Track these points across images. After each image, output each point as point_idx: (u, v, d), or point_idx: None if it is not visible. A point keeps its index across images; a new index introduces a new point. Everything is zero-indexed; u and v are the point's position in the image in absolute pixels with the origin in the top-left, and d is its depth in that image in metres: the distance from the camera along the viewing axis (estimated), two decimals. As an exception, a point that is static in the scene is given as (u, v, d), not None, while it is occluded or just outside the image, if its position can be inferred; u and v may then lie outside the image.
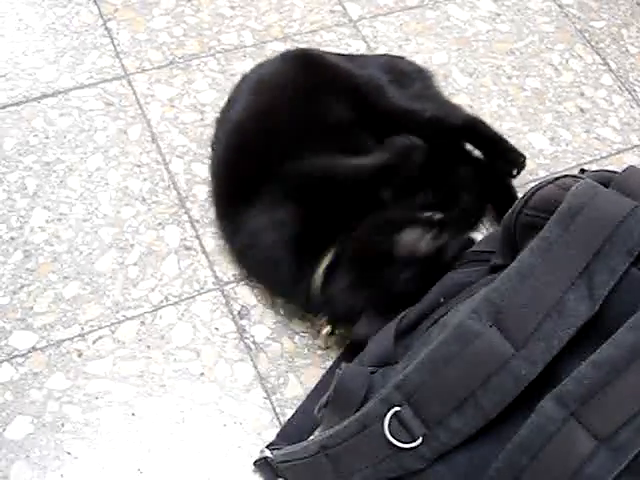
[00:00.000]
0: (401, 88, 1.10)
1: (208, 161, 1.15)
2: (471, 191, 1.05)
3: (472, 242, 0.93)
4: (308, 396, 0.95)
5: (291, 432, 0.92)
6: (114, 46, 1.27)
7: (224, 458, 0.91)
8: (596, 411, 0.60)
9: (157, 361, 0.97)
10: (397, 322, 0.83)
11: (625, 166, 0.71)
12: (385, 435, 0.69)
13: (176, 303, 1.02)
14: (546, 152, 1.23)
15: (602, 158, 1.24)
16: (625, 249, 0.63)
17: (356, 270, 0.92)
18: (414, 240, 0.89)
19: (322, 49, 1.23)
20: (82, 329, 0.99)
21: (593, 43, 1.40)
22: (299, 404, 0.95)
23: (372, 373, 0.79)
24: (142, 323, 1.00)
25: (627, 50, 1.40)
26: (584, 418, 0.61)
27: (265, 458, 0.87)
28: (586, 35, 1.41)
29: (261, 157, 1.00)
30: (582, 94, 1.32)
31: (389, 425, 0.69)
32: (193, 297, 1.03)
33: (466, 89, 1.29)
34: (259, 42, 1.31)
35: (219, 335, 1.00)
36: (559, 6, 1.45)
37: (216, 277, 1.05)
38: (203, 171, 1.14)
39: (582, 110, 1.30)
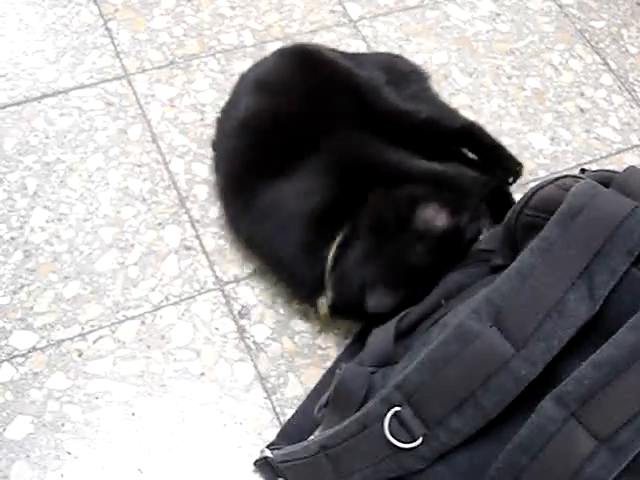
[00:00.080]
0: (397, 88, 1.09)
1: (208, 161, 1.15)
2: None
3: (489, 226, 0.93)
4: (308, 396, 0.95)
5: (291, 432, 0.92)
6: (114, 46, 1.27)
7: (224, 458, 0.91)
8: (596, 411, 0.60)
9: (157, 361, 0.97)
10: (397, 322, 0.83)
11: (625, 166, 0.71)
12: (385, 435, 0.69)
13: (176, 303, 1.02)
14: (546, 152, 1.23)
15: (602, 158, 1.25)
16: (625, 249, 0.63)
17: (370, 239, 0.91)
18: (432, 215, 0.89)
19: (322, 49, 1.23)
20: (82, 329, 0.99)
21: (593, 43, 1.40)
22: (299, 404, 0.95)
23: (372, 373, 0.79)
24: (142, 323, 1.00)
25: (627, 50, 1.40)
26: (584, 418, 0.61)
27: (265, 458, 0.87)
28: (586, 35, 1.41)
29: (270, 149, 1.00)
30: (582, 94, 1.32)
31: (389, 425, 0.70)
32: (193, 297, 1.03)
33: (466, 89, 1.29)
34: (259, 42, 1.31)
35: (219, 335, 1.00)
36: (559, 6, 1.45)
37: (216, 277, 1.05)
38: (203, 171, 1.14)
39: (582, 110, 1.30)
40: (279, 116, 1.03)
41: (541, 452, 0.62)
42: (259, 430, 0.93)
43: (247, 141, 1.04)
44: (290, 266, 0.97)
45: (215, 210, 1.10)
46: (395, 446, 0.69)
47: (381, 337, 0.83)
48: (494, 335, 0.65)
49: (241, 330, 1.01)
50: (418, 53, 1.32)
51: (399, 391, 0.69)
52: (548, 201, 0.69)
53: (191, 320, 1.01)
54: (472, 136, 1.08)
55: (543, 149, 1.24)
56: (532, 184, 0.74)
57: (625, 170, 0.69)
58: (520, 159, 1.10)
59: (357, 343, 0.96)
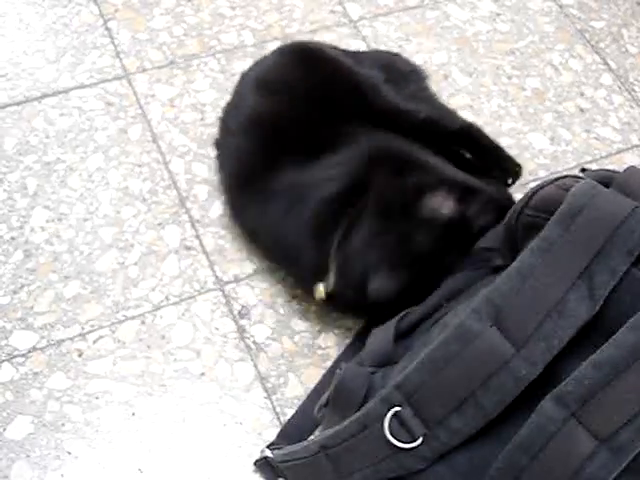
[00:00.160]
0: (396, 87, 1.09)
1: (209, 161, 1.15)
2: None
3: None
4: (308, 396, 0.95)
5: (291, 432, 0.92)
6: (114, 46, 1.27)
7: (224, 458, 0.91)
8: (596, 411, 0.60)
9: (157, 361, 0.97)
10: (396, 322, 0.83)
11: (625, 166, 0.71)
12: (385, 435, 0.69)
13: (176, 303, 1.02)
14: (546, 152, 1.23)
15: (602, 158, 1.25)
16: (625, 249, 0.63)
17: (376, 223, 0.90)
18: (439, 202, 0.89)
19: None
20: (82, 329, 0.99)
21: (593, 43, 1.40)
22: (299, 404, 0.95)
23: (372, 373, 0.79)
24: (142, 323, 1.00)
25: (627, 50, 1.40)
26: (584, 418, 0.61)
27: (265, 458, 0.87)
28: (586, 35, 1.41)
29: (277, 144, 1.01)
30: (582, 94, 1.32)
31: (389, 425, 0.70)
32: (193, 297, 1.03)
33: (466, 89, 1.29)
34: (259, 42, 1.31)
35: (219, 335, 1.00)
36: (559, 6, 1.45)
37: (216, 277, 1.05)
38: (203, 171, 1.14)
39: (582, 110, 1.30)
40: (284, 112, 1.03)
41: (541, 452, 0.62)
42: (259, 430, 0.93)
43: (254, 137, 1.04)
44: (296, 252, 0.97)
45: (215, 210, 1.10)
46: (395, 446, 0.69)
47: (381, 337, 0.83)
48: (494, 335, 0.65)
49: (241, 330, 1.01)
50: (418, 53, 1.32)
51: (399, 391, 0.69)
52: (548, 201, 0.69)
53: (191, 320, 1.01)
54: (471, 137, 1.08)
55: (543, 149, 1.24)
56: (532, 184, 0.74)
57: (625, 170, 0.69)
58: (520, 159, 1.10)
59: (357, 343, 0.96)
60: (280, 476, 0.86)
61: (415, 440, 0.68)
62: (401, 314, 0.84)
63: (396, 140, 1.00)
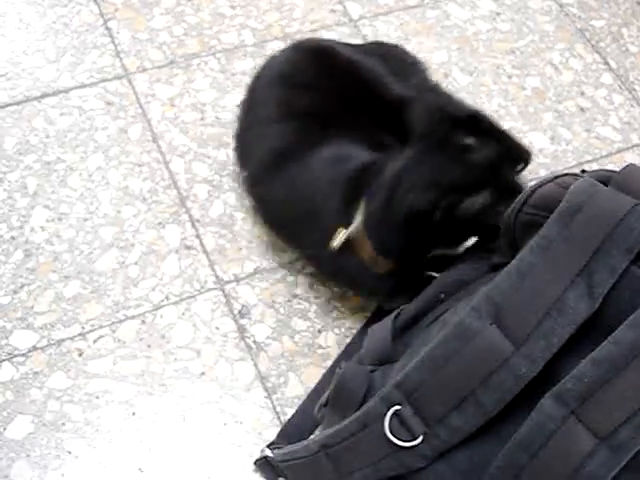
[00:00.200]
0: (401, 78, 1.10)
1: (209, 160, 1.15)
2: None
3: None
4: (308, 395, 0.95)
5: (291, 431, 0.92)
6: (114, 45, 1.27)
7: (224, 457, 0.91)
8: (596, 409, 0.60)
9: (157, 360, 0.97)
10: (393, 319, 0.83)
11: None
12: (385, 434, 0.69)
13: (177, 302, 1.02)
14: (546, 151, 1.23)
15: (602, 157, 1.24)
16: (625, 247, 0.63)
17: (411, 154, 0.91)
18: (477, 144, 0.90)
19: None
20: (82, 328, 0.99)
21: (593, 42, 1.40)
22: (299, 403, 0.95)
23: (372, 372, 0.79)
24: (143, 322, 1.00)
25: (627, 49, 1.40)
26: (584, 416, 0.60)
27: (265, 457, 0.88)
28: (586, 34, 1.41)
29: (304, 133, 1.02)
30: (582, 93, 1.32)
31: (389, 424, 0.69)
32: (194, 296, 1.03)
33: (466, 88, 1.29)
34: (259, 41, 1.31)
35: (219, 334, 1.00)
36: (559, 5, 1.45)
37: (216, 276, 1.05)
38: (204, 170, 1.14)
39: (582, 109, 1.30)
40: (308, 102, 1.04)
41: (541, 450, 0.61)
42: (259, 429, 0.93)
43: (285, 123, 1.04)
44: (320, 214, 0.97)
45: (215, 209, 1.11)
46: (395, 445, 0.69)
47: (379, 335, 0.83)
48: (494, 333, 0.65)
49: (241, 329, 1.01)
50: (418, 52, 1.32)
51: (399, 390, 0.69)
52: (547, 199, 0.69)
53: (191, 319, 1.01)
54: (480, 124, 1.08)
55: (543, 148, 1.24)
56: (532, 183, 0.74)
57: (624, 168, 0.69)
58: (520, 158, 1.10)
59: (357, 342, 0.96)
60: (280, 475, 0.86)
61: (415, 439, 0.68)
62: (396, 311, 0.84)
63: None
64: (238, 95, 1.23)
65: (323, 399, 0.83)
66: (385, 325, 0.83)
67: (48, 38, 1.27)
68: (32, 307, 1.00)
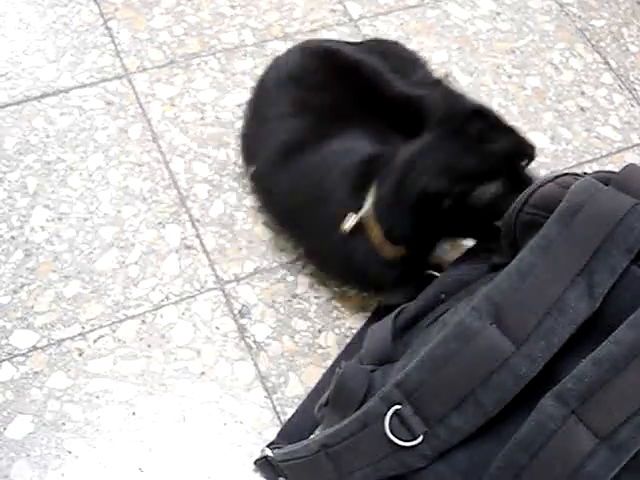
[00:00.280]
0: (403, 75, 1.10)
1: (209, 160, 1.15)
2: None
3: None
4: (309, 395, 0.95)
5: (292, 431, 0.92)
6: (114, 45, 1.27)
7: (224, 457, 0.91)
8: (596, 409, 0.60)
9: (158, 360, 0.97)
10: (393, 319, 0.83)
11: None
12: (386, 433, 0.69)
13: (177, 302, 1.02)
14: (547, 151, 1.23)
15: (602, 157, 1.24)
16: (625, 247, 0.63)
17: (428, 139, 0.93)
18: (494, 137, 0.91)
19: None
20: (83, 328, 0.99)
21: (593, 42, 1.40)
22: (299, 403, 0.95)
23: (372, 371, 0.79)
24: (143, 322, 1.00)
25: (627, 49, 1.40)
26: (584, 416, 0.60)
27: (266, 457, 0.87)
28: (586, 34, 1.41)
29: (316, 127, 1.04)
30: (582, 93, 1.32)
31: (390, 423, 0.69)
32: (194, 296, 1.03)
33: (466, 88, 1.29)
34: (260, 41, 1.31)
35: (220, 334, 1.00)
36: (559, 5, 1.45)
37: (217, 276, 1.05)
38: (204, 170, 1.14)
39: (582, 109, 1.30)
40: (317, 102, 1.06)
41: (541, 450, 0.61)
42: (259, 429, 0.93)
43: (296, 119, 1.05)
44: (329, 200, 0.98)
45: (215, 209, 1.11)
46: (396, 444, 0.69)
47: (379, 335, 0.83)
48: (494, 333, 0.65)
49: (241, 329, 1.01)
50: (419, 52, 1.32)
51: (399, 389, 0.69)
52: (548, 199, 0.69)
53: (191, 319, 1.01)
54: (484, 118, 1.09)
55: (544, 148, 1.23)
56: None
57: (624, 168, 0.69)
58: (520, 158, 1.10)
59: (358, 342, 0.96)
60: (280, 475, 0.86)
61: (415, 438, 0.68)
62: (397, 310, 0.84)
63: None
64: (238, 95, 1.23)
65: (323, 399, 0.83)
66: (385, 325, 0.83)
67: (48, 38, 1.27)
68: (32, 307, 1.00)
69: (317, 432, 0.90)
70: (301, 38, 1.31)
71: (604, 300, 0.63)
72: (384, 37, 1.33)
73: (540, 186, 0.71)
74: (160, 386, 0.96)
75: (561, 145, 1.24)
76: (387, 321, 0.84)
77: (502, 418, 0.65)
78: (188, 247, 1.07)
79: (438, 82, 1.16)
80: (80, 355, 0.97)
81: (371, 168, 0.96)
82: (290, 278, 1.06)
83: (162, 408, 0.94)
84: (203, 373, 0.97)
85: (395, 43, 1.24)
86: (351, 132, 1.02)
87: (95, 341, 0.98)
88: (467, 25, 1.39)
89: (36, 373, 0.95)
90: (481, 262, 0.82)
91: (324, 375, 0.97)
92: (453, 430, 0.67)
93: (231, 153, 1.16)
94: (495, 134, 0.92)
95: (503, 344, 0.64)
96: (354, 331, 1.01)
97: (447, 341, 0.67)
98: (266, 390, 0.96)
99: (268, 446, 0.89)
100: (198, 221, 1.09)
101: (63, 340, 0.98)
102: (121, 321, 1.00)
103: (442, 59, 1.33)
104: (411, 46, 1.32)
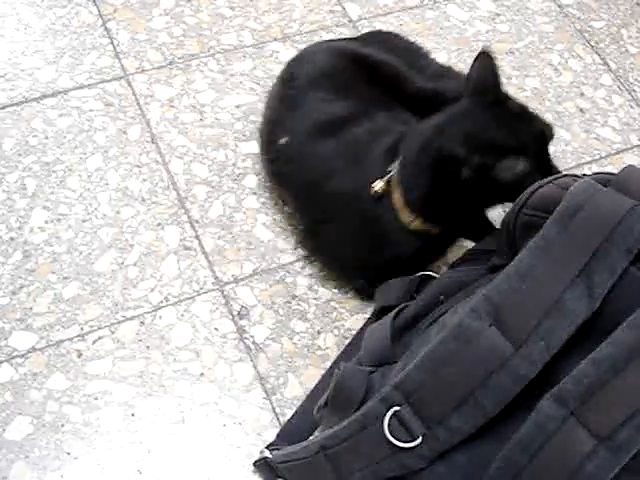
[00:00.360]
0: (418, 69, 1.13)
1: (208, 161, 1.15)
2: None
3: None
4: (308, 396, 0.95)
5: (291, 432, 0.92)
6: (113, 46, 1.27)
7: (224, 458, 0.91)
8: (595, 410, 0.60)
9: (157, 361, 0.97)
10: (392, 319, 0.83)
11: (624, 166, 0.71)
12: (385, 435, 0.69)
13: (176, 303, 1.02)
14: (546, 152, 1.23)
15: (602, 158, 1.24)
16: (624, 248, 0.63)
17: (463, 105, 0.94)
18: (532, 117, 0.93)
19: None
20: (82, 329, 0.99)
21: (593, 43, 1.40)
22: (299, 404, 0.95)
23: (371, 373, 0.79)
24: (142, 323, 1.00)
25: (627, 50, 1.40)
26: (584, 417, 0.60)
27: (265, 458, 0.87)
28: (586, 35, 1.41)
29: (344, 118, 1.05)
30: (582, 94, 1.32)
31: (389, 425, 0.69)
32: (193, 297, 1.03)
33: (466, 89, 1.29)
34: (259, 42, 1.31)
35: (219, 335, 1.00)
36: (559, 6, 1.45)
37: (216, 277, 1.05)
38: (203, 171, 1.14)
39: (582, 110, 1.30)
40: (349, 92, 1.08)
41: (540, 451, 0.61)
42: (258, 430, 0.93)
43: (330, 105, 1.07)
44: (365, 170, 1.00)
45: (214, 210, 1.10)
46: (395, 446, 0.69)
47: (378, 335, 0.83)
48: (493, 334, 0.65)
49: (240, 330, 1.01)
50: (418, 53, 1.32)
51: (398, 390, 0.69)
52: (547, 200, 0.69)
53: (190, 320, 1.01)
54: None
55: (543, 149, 1.23)
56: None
57: (623, 169, 0.69)
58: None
59: (357, 343, 0.96)
60: (279, 476, 0.86)
61: (415, 439, 0.68)
62: (395, 310, 0.84)
63: None
64: (237, 96, 1.23)
65: (322, 400, 0.82)
66: (384, 326, 0.83)
67: (47, 39, 1.27)
68: (31, 308, 1.00)
69: (316, 433, 0.90)
70: (300, 39, 1.31)
71: (603, 301, 0.63)
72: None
73: (539, 187, 0.71)
74: (159, 387, 0.96)
75: (560, 146, 1.24)
76: (386, 322, 0.84)
77: (501, 419, 0.65)
78: (187, 248, 1.07)
79: (450, 69, 1.18)
80: (79, 356, 0.97)
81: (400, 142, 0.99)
82: (289, 279, 1.06)
83: (161, 409, 0.94)
84: (202, 374, 0.97)
85: (396, 35, 1.24)
86: (383, 116, 1.05)
87: (94, 342, 0.98)
88: (466, 26, 1.39)
89: (35, 374, 0.95)
90: (480, 263, 0.82)
91: (323, 376, 0.96)
92: (452, 431, 0.67)
93: (230, 154, 1.16)
94: (528, 114, 0.94)
95: (502, 345, 0.64)
96: (353, 332, 1.01)
97: (446, 342, 0.67)
98: (265, 391, 0.96)
99: (267, 447, 0.89)
100: (197, 222, 1.09)
101: (62, 341, 0.98)
102: (120, 322, 1.00)
103: (441, 60, 1.32)
104: (410, 47, 1.32)
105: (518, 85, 1.31)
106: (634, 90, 1.34)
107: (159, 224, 1.09)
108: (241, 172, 1.15)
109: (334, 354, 0.99)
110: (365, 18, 1.37)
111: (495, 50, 1.34)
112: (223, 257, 1.07)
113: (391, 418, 0.69)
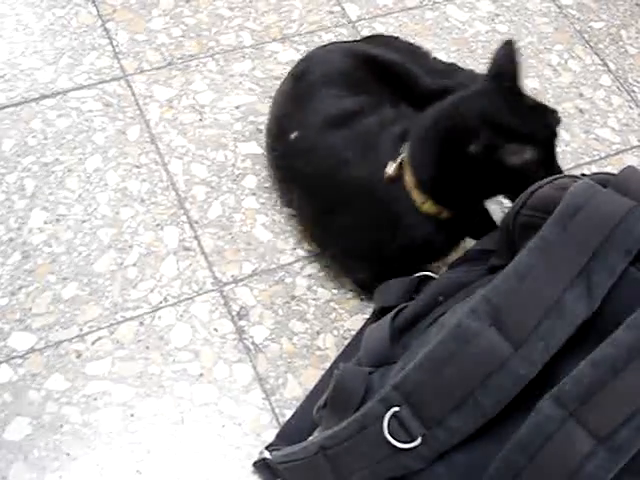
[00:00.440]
0: (425, 68, 1.14)
1: (207, 162, 1.15)
2: None
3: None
4: (307, 397, 0.95)
5: (290, 433, 0.91)
6: (113, 47, 1.27)
7: (223, 459, 0.91)
8: (595, 410, 0.60)
9: (156, 362, 0.97)
10: (391, 320, 0.83)
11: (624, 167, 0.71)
12: (384, 435, 0.69)
13: (175, 304, 1.02)
14: (545, 152, 1.23)
15: (601, 159, 1.24)
16: (624, 248, 0.63)
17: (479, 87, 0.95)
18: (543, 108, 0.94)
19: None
20: (81, 330, 0.99)
21: (592, 44, 1.40)
22: (298, 405, 0.95)
23: (370, 373, 0.79)
24: (141, 324, 1.00)
25: (626, 51, 1.40)
26: (583, 418, 0.60)
27: (264, 459, 0.87)
28: (585, 36, 1.41)
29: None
30: (581, 95, 1.32)
31: (388, 425, 0.69)
32: (192, 298, 1.03)
33: (465, 90, 1.29)
34: (258, 43, 1.31)
35: (218, 336, 1.00)
36: (558, 7, 1.45)
37: (215, 278, 1.05)
38: (202, 172, 1.14)
39: (581, 111, 1.30)
40: (361, 90, 1.09)
41: (540, 452, 0.61)
42: (258, 431, 0.93)
43: (342, 101, 1.07)
44: (378, 154, 1.01)
45: (214, 211, 1.10)
46: (394, 446, 0.69)
47: (377, 336, 0.83)
48: (493, 334, 0.65)
49: (240, 331, 1.01)
50: (417, 54, 1.32)
51: (398, 391, 0.69)
52: (546, 201, 0.69)
53: (190, 321, 1.01)
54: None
55: (542, 149, 1.23)
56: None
57: (622, 170, 0.69)
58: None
59: (356, 344, 0.96)
60: (279, 477, 0.86)
61: (414, 440, 0.68)
62: (394, 310, 0.84)
63: None
64: (236, 97, 1.23)
65: (321, 401, 0.82)
66: (383, 326, 0.83)
67: (46, 39, 1.27)
68: (30, 309, 1.00)
69: (315, 434, 0.90)
70: (299, 40, 1.31)
71: (603, 301, 0.63)
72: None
73: (539, 188, 0.71)
74: (158, 388, 0.95)
75: (559, 147, 1.24)
76: (385, 323, 0.83)
77: (501, 419, 0.65)
78: (186, 249, 1.07)
79: (452, 65, 1.19)
80: (78, 357, 0.97)
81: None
82: (288, 280, 1.06)
83: (160, 410, 0.94)
84: (201, 375, 0.97)
85: (396, 38, 1.24)
86: (392, 111, 1.05)
87: (93, 343, 0.98)
88: (466, 27, 1.39)
89: (34, 375, 0.95)
90: (479, 264, 0.82)
91: (322, 377, 0.96)
92: (452, 431, 0.67)
93: (229, 155, 1.16)
94: (542, 107, 0.94)
95: (502, 345, 0.64)
96: (352, 333, 1.01)
97: (445, 342, 0.67)
98: (264, 392, 0.96)
99: (266, 448, 0.89)
100: (196, 223, 1.09)
101: (61, 342, 0.98)
102: (119, 323, 1.00)
103: (440, 61, 1.32)
104: (409, 48, 1.32)
105: (517, 86, 1.31)
106: (633, 91, 1.34)
107: (158, 225, 1.09)
108: (240, 172, 1.15)
109: (333, 355, 0.99)
110: (364, 19, 1.37)
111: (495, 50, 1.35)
112: (222, 257, 1.07)
113: (390, 419, 0.69)
